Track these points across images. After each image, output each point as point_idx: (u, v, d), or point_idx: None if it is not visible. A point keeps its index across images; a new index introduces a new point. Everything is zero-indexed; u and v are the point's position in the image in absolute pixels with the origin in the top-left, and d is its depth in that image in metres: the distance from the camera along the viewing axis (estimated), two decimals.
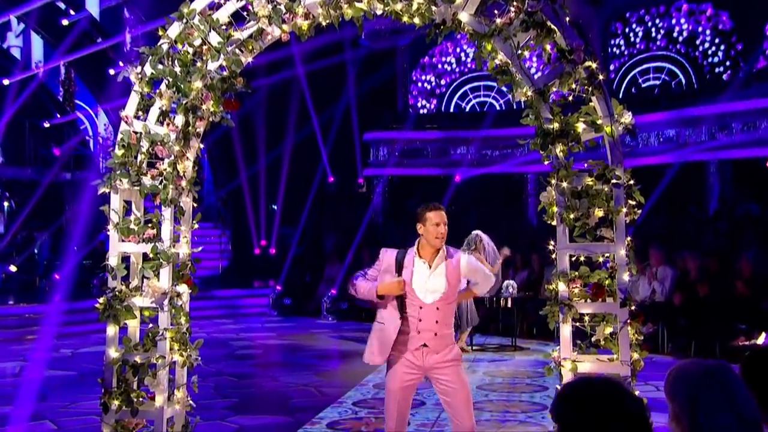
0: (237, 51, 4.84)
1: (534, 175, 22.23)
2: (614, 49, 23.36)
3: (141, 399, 4.78)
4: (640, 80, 23.30)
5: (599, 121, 4.72)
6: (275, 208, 21.80)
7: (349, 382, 9.52)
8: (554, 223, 4.73)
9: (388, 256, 4.80)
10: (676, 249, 12.84)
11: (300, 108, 21.67)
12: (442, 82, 25.84)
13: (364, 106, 22.92)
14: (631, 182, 4.69)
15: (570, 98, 4.67)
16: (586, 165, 4.75)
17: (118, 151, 4.87)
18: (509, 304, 12.37)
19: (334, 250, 19.09)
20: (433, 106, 25.69)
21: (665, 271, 12.00)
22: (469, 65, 25.48)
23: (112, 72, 18.80)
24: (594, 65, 4.62)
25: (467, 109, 25.54)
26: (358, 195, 23.99)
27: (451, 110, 25.53)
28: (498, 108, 24.85)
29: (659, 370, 8.59)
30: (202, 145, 5.11)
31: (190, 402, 5.00)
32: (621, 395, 2.24)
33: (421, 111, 25.46)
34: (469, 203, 20.59)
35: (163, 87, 4.91)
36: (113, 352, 4.77)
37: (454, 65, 25.73)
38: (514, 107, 24.31)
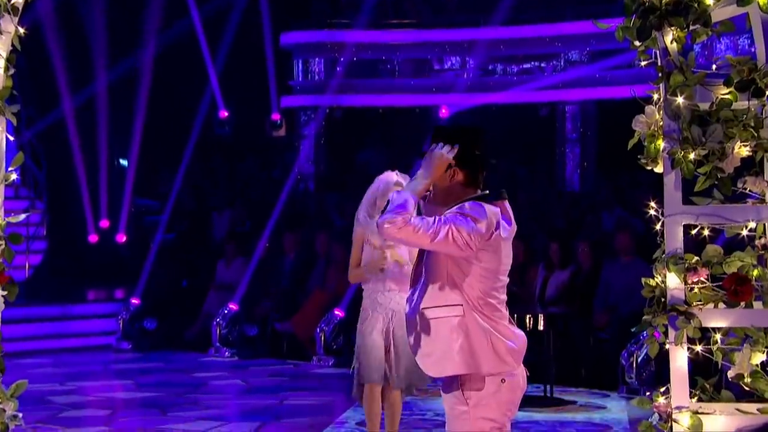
0: None
1: (576, 106, 22.38)
2: None
3: None
4: None
5: None
6: (125, 164, 21.68)
7: None
8: (658, 169, 4.91)
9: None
10: None
11: None
12: None
13: None
14: None
15: None
16: (716, 66, 4.87)
17: None
18: (540, 325, 12.55)
19: (232, 236, 18.94)
20: None
21: None
22: None
23: None
24: None
25: None
26: (272, 142, 23.97)
27: None
28: None
29: None
30: (22, 30, 5.06)
31: None
32: None
33: None
34: None
35: None
36: None
37: None
38: None
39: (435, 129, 5.44)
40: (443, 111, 22.11)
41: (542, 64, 22.82)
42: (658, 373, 11.86)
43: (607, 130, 21.43)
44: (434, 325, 5.18)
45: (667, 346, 4.90)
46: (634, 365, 12.72)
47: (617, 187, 19.15)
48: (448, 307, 5.15)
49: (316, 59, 23.92)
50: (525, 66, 22.90)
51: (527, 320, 12.60)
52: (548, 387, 12.77)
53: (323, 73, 23.81)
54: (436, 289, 5.18)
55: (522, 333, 5.26)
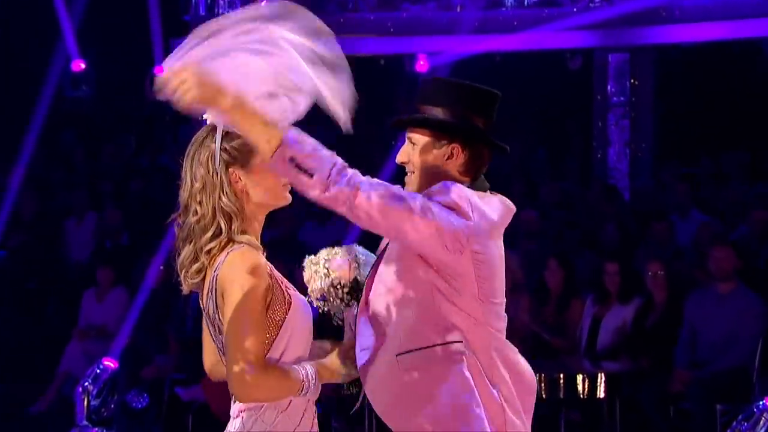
0: None
1: (624, 55, 20.41)
2: None
3: None
4: None
5: None
6: None
7: None
8: None
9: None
10: None
11: None
12: None
13: None
14: None
15: None
16: None
17: None
18: (600, 391, 12.29)
19: (102, 255, 17.44)
20: None
21: None
22: None
23: None
24: None
25: None
26: (157, 110, 22.80)
27: None
28: None
29: None
30: None
31: None
32: None
33: None
34: None
35: None
36: None
37: None
38: None
39: (428, 82, 5.21)
40: (421, 62, 20.36)
41: None
42: None
43: (672, 90, 19.95)
44: (420, 379, 4.75)
45: None
46: None
47: (691, 179, 17.41)
48: (443, 347, 4.65)
49: None
50: None
51: (580, 383, 12.42)
52: None
53: (238, 4, 21.61)
54: (418, 321, 4.68)
55: (528, 368, 4.93)
